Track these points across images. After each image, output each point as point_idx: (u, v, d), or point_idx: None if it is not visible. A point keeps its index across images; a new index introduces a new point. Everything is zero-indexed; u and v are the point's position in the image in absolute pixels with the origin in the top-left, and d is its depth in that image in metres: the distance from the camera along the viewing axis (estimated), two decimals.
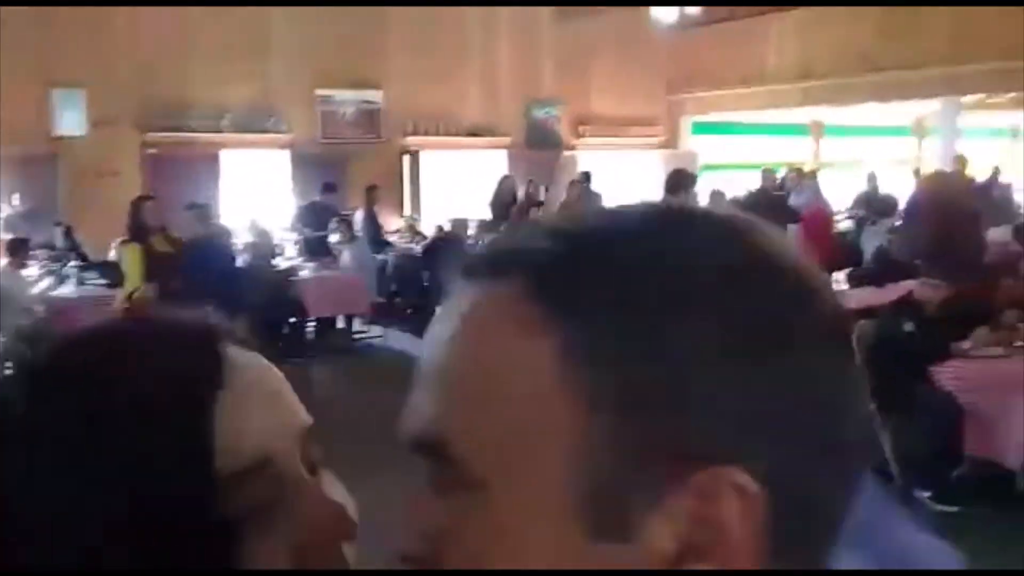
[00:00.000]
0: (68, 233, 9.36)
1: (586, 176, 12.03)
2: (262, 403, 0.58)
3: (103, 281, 8.12)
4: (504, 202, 11.01)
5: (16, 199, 10.41)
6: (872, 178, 11.69)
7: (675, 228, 0.43)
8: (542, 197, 11.90)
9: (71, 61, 10.70)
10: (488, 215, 11.15)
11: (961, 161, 11.93)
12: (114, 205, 11.02)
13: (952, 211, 4.78)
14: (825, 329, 0.42)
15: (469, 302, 0.43)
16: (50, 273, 8.27)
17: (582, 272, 0.41)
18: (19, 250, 7.62)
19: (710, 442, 0.39)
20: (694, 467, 0.38)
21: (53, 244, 9.39)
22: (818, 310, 0.43)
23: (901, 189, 11.68)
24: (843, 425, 0.42)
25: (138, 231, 5.97)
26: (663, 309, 0.40)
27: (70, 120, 10.90)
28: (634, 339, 0.39)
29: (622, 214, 0.45)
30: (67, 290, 7.91)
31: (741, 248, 0.42)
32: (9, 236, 8.72)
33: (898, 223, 9.71)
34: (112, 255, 8.67)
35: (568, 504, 0.39)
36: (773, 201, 9.83)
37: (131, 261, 6.04)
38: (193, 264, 5.45)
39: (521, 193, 11.40)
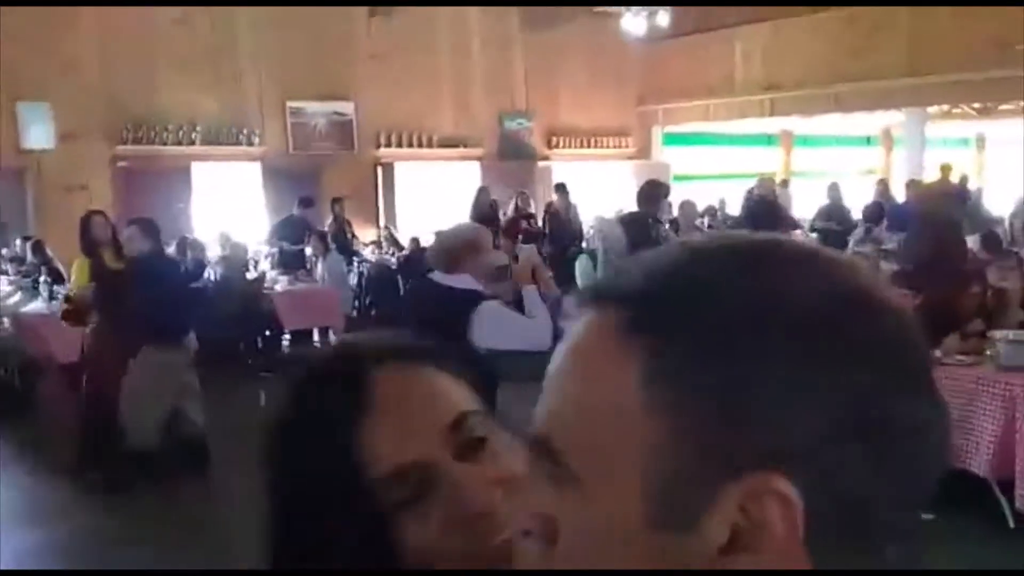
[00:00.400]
0: (38, 247, 9.25)
1: (561, 187, 12.10)
2: (399, 416, 0.74)
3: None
4: (483, 213, 11.02)
5: None
6: (834, 188, 11.74)
7: (742, 269, 0.51)
8: (532, 208, 11.91)
9: (37, 74, 10.58)
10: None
11: (945, 169, 12.10)
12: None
13: (943, 220, 4.87)
14: (880, 353, 0.49)
15: (578, 328, 0.54)
16: (19, 288, 8.16)
17: (666, 309, 0.50)
18: None
19: (761, 453, 0.47)
20: (746, 472, 0.47)
21: (23, 258, 9.27)
22: (878, 335, 0.49)
23: (867, 199, 11.91)
24: (896, 441, 0.48)
25: (88, 246, 5.94)
26: (731, 344, 0.48)
27: (37, 134, 10.77)
28: (704, 371, 0.48)
29: (709, 254, 0.53)
30: (37, 305, 7.80)
31: (824, 285, 0.50)
32: None
33: (861, 232, 9.89)
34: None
35: (641, 499, 0.48)
36: (772, 209, 9.87)
37: (78, 272, 6.10)
38: (139, 280, 5.43)
39: (511, 207, 11.35)
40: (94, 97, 10.91)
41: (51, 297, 7.89)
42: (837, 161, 17.62)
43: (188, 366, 5.89)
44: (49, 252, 9.26)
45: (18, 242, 9.63)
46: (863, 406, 0.47)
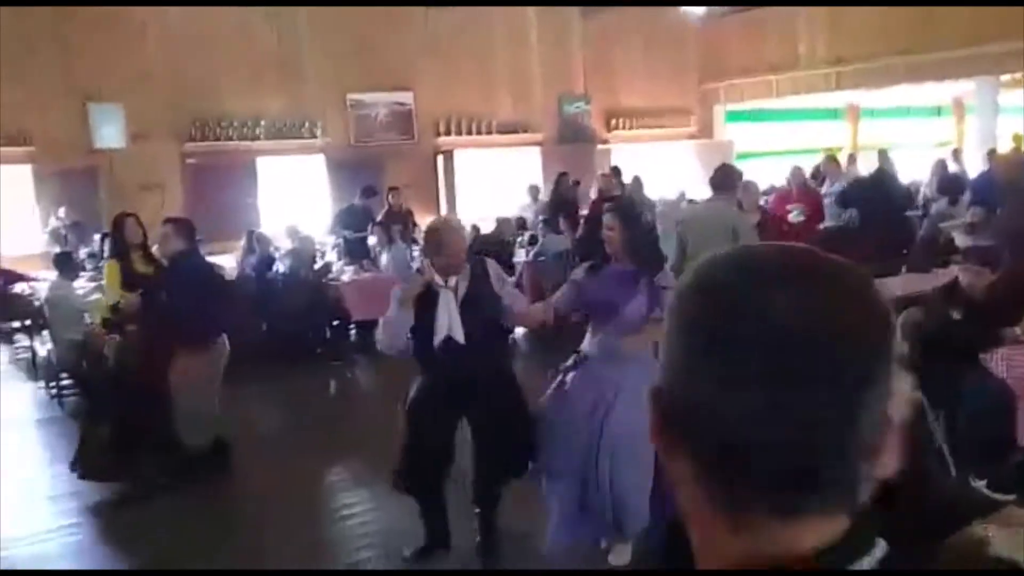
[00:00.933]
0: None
1: (616, 171, 11.95)
2: None
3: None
4: (563, 199, 10.89)
5: (62, 212, 10.62)
6: (883, 157, 11.09)
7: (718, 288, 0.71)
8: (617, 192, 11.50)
9: (108, 77, 10.90)
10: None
11: (1017, 139, 11.69)
12: (157, 214, 11.28)
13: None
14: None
15: None
16: (98, 284, 8.41)
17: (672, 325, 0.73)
18: (66, 263, 7.76)
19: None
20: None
21: (100, 255, 9.54)
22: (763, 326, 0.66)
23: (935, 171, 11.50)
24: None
25: (119, 249, 5.93)
26: (697, 354, 0.69)
27: (109, 133, 11.10)
28: (679, 374, 0.70)
29: (710, 268, 0.73)
30: None
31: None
32: (56, 250, 8.89)
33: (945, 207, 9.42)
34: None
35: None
36: (891, 185, 9.49)
37: (109, 277, 6.01)
38: (174, 282, 5.33)
39: (593, 191, 11.01)
40: (163, 97, 11.21)
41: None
42: (906, 133, 17.14)
43: (224, 366, 5.67)
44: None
45: (96, 239, 9.91)
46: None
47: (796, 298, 0.66)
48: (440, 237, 3.87)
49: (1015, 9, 10.56)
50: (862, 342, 0.67)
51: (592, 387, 3.76)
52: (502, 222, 10.44)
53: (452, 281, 3.84)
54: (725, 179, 5.80)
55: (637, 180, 12.00)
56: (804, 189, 8.87)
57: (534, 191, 12.22)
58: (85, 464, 5.31)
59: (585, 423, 3.72)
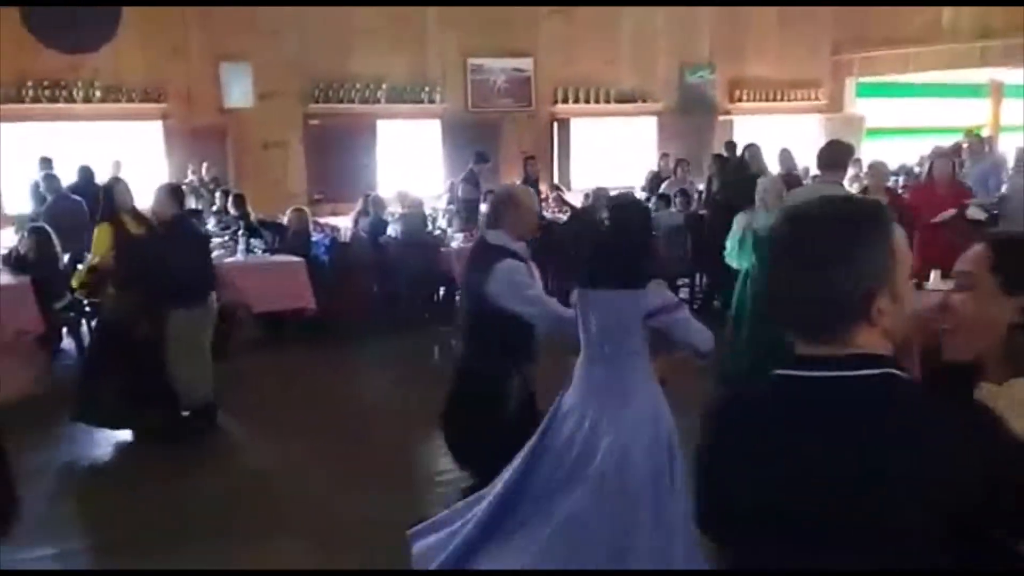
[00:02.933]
0: (239, 201, 9.84)
1: (729, 146, 11.59)
2: None
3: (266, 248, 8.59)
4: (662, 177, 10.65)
5: (204, 168, 11.01)
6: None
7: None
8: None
9: (239, 36, 11.22)
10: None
11: None
12: (280, 173, 11.67)
13: None
14: None
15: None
16: (220, 241, 8.76)
17: None
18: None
19: None
20: None
21: (224, 210, 9.91)
22: None
23: None
24: None
25: (109, 212, 6.21)
26: None
27: (239, 93, 11.46)
28: None
29: None
30: (237, 258, 8.36)
31: None
32: (191, 206, 9.27)
33: None
34: (283, 220, 9.11)
35: None
36: None
37: (99, 239, 6.25)
38: (168, 244, 5.66)
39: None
40: (290, 59, 11.48)
41: (248, 250, 8.45)
42: None
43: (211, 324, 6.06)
44: (248, 207, 9.88)
45: (218, 196, 10.28)
46: None
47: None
48: (520, 202, 3.83)
49: None
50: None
51: None
52: (597, 192, 9.88)
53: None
54: (834, 156, 5.33)
55: (754, 148, 11.62)
56: (951, 182, 7.50)
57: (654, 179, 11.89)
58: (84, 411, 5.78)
59: None
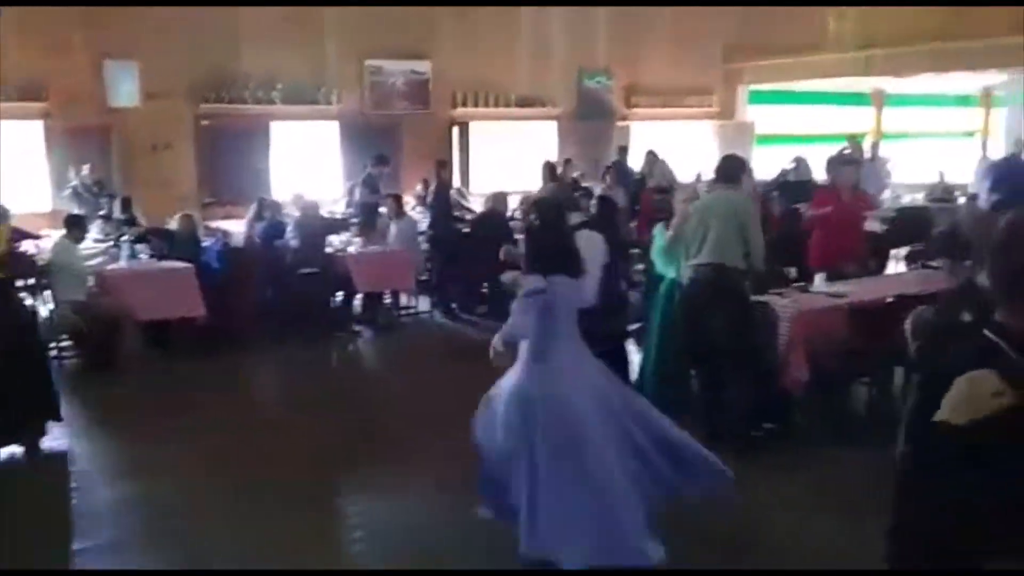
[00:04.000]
0: (126, 204, 9.44)
1: (622, 150, 11.82)
2: None
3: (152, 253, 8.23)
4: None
5: (86, 170, 10.46)
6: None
7: None
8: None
9: (124, 34, 10.77)
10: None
11: None
12: (169, 176, 11.23)
13: None
14: None
15: None
16: (104, 247, 8.38)
17: None
18: (75, 225, 7.70)
19: None
20: None
21: (109, 216, 9.49)
22: None
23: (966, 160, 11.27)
24: None
25: None
26: None
27: (124, 92, 11.00)
28: None
29: None
30: (120, 264, 8.00)
31: None
32: (73, 210, 8.83)
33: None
34: (172, 225, 8.72)
35: None
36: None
37: None
38: None
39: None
40: (178, 57, 11.07)
41: (133, 256, 8.08)
42: (932, 121, 16.80)
43: None
44: (135, 211, 9.49)
45: (103, 201, 9.84)
46: None
47: None
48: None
49: None
50: None
51: None
52: (496, 197, 9.65)
53: None
54: (729, 172, 5.71)
55: (651, 155, 11.85)
56: (854, 190, 7.26)
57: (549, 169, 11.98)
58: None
59: None
